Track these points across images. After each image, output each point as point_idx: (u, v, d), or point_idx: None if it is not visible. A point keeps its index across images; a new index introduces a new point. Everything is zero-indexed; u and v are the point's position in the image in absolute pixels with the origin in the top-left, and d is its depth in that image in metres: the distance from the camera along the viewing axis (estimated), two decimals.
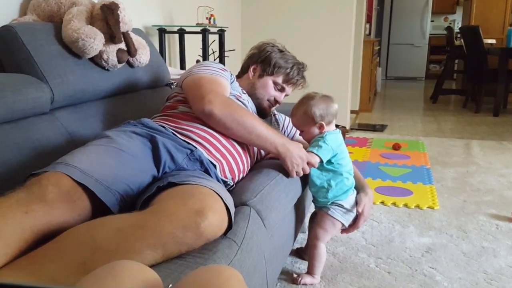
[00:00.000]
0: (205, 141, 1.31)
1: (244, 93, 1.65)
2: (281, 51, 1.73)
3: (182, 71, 2.34)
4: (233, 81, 1.60)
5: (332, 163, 1.53)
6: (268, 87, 1.68)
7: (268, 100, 1.69)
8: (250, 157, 1.46)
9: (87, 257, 0.84)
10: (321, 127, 1.54)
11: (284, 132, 1.80)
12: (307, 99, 1.57)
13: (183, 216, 0.90)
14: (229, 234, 1.01)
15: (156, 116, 1.45)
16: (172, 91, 1.60)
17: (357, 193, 1.63)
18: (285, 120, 1.82)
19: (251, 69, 1.71)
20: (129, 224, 0.90)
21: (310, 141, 1.58)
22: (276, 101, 1.71)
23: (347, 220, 1.58)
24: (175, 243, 0.88)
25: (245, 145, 1.43)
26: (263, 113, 1.70)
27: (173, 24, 2.74)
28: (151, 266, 0.86)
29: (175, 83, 2.12)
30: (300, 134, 1.65)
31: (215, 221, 0.93)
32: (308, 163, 1.44)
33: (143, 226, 0.88)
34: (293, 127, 1.79)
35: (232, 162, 1.35)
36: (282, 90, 1.71)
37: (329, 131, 1.55)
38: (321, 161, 1.51)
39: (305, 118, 1.56)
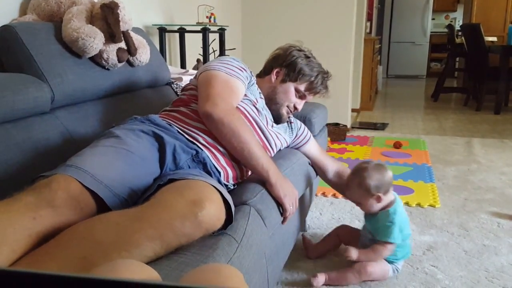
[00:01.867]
0: (213, 147, 1.29)
1: (262, 98, 1.58)
2: (307, 57, 1.65)
3: (183, 70, 2.34)
4: (252, 84, 1.54)
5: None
6: (289, 93, 1.61)
7: (287, 106, 1.63)
8: None
9: (87, 252, 0.84)
10: (378, 198, 1.56)
11: (297, 139, 1.77)
12: (360, 171, 1.58)
13: (180, 206, 0.90)
14: (229, 231, 1.01)
15: (167, 110, 1.43)
16: (190, 82, 1.55)
17: None
18: (300, 129, 1.77)
19: (274, 72, 1.64)
20: (127, 217, 0.90)
21: (370, 212, 1.62)
22: (295, 108, 1.65)
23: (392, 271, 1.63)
24: (173, 234, 0.88)
25: None
26: (279, 118, 1.64)
27: (173, 23, 2.74)
28: (152, 261, 0.87)
29: (175, 82, 2.12)
30: (357, 205, 1.66)
31: (212, 210, 0.93)
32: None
33: (141, 218, 0.89)
34: (306, 137, 1.77)
35: (237, 170, 1.34)
36: (303, 97, 1.65)
37: (391, 208, 1.57)
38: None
39: (361, 191, 1.57)
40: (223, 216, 0.98)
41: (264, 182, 1.32)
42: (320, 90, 1.66)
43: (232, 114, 1.29)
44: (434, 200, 2.39)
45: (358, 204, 1.64)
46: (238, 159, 1.33)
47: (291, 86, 1.61)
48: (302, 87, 1.62)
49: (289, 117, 1.70)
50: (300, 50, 1.67)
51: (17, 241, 0.86)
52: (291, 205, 1.34)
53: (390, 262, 1.62)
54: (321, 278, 1.57)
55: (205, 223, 0.91)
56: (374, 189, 1.54)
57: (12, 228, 0.86)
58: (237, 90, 1.41)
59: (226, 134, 1.27)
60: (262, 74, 1.70)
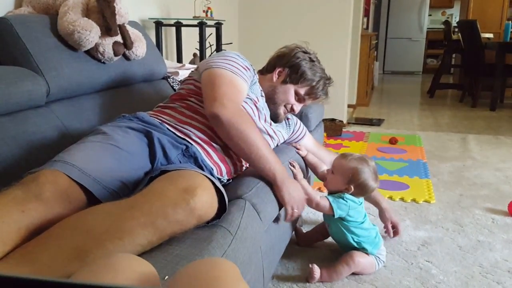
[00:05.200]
0: (205, 143, 1.29)
1: (262, 96, 1.57)
2: (311, 61, 1.63)
3: (179, 64, 2.33)
4: (254, 83, 1.52)
5: (349, 220, 1.60)
6: (289, 95, 1.60)
7: (285, 106, 1.62)
8: None
9: (80, 241, 0.85)
10: (347, 189, 1.58)
11: (293, 134, 1.78)
12: (366, 162, 1.60)
13: (172, 194, 0.90)
14: (224, 223, 1.02)
15: (161, 106, 1.43)
16: (190, 74, 1.52)
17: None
18: (296, 125, 1.78)
19: (277, 71, 1.62)
20: (118, 206, 0.91)
21: (327, 186, 1.66)
22: (292, 109, 1.63)
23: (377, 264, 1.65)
24: (166, 221, 0.88)
25: None
26: (276, 118, 1.63)
27: (169, 17, 2.73)
28: (147, 254, 0.87)
29: (171, 76, 2.11)
30: (327, 175, 1.66)
31: (204, 197, 0.93)
32: (308, 200, 1.46)
33: (133, 206, 0.89)
34: (302, 133, 1.78)
35: (231, 165, 1.34)
36: (301, 100, 1.63)
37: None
38: (332, 215, 1.56)
39: (349, 171, 1.57)
40: (216, 204, 0.98)
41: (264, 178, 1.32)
42: (320, 96, 1.65)
43: (240, 115, 1.28)
44: (429, 196, 2.40)
45: (330, 172, 1.63)
46: (245, 160, 1.33)
47: (291, 88, 1.60)
48: (302, 91, 1.61)
49: (286, 117, 1.70)
50: (305, 53, 1.65)
51: (7, 233, 0.86)
52: (296, 208, 1.33)
53: (368, 253, 1.63)
54: (317, 270, 1.58)
55: (197, 210, 0.91)
56: (355, 183, 1.57)
57: (1, 221, 0.86)
58: (242, 90, 1.39)
59: (234, 136, 1.25)
60: (264, 71, 1.68)
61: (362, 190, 1.59)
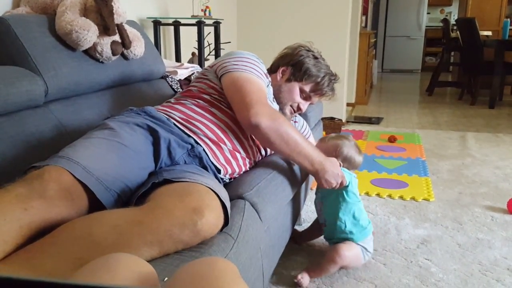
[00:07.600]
0: (213, 143, 1.28)
1: (274, 100, 1.56)
2: (315, 58, 1.63)
3: (178, 64, 2.32)
4: (267, 85, 1.51)
5: (349, 192, 1.58)
6: (294, 93, 1.59)
7: (291, 106, 1.60)
8: (253, 161, 1.46)
9: (84, 252, 0.84)
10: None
11: None
12: (344, 138, 1.64)
13: (180, 213, 0.89)
14: (224, 228, 1.01)
15: (171, 102, 1.41)
16: (202, 72, 1.51)
17: None
18: (303, 127, 1.79)
19: (280, 70, 1.62)
20: (126, 220, 0.89)
21: None
22: (299, 108, 1.62)
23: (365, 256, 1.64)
24: (171, 241, 0.88)
25: (251, 150, 1.41)
26: None
27: (168, 16, 2.72)
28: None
29: (170, 76, 2.11)
30: None
31: (212, 219, 0.93)
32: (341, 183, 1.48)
33: (140, 222, 0.88)
34: (306, 135, 1.80)
35: (236, 167, 1.34)
36: (307, 98, 1.62)
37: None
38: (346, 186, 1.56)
39: (331, 148, 1.60)
40: (221, 222, 0.98)
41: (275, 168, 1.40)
42: (326, 92, 1.64)
43: (276, 118, 1.31)
44: (428, 194, 2.40)
45: None
46: (284, 157, 1.40)
47: (296, 86, 1.59)
48: (307, 88, 1.60)
49: (292, 118, 1.69)
50: (309, 51, 1.64)
51: (8, 232, 0.85)
52: (332, 185, 1.44)
53: (354, 241, 1.61)
54: (306, 277, 1.57)
55: (203, 231, 0.91)
56: (341, 158, 1.60)
57: (3, 219, 0.85)
58: (266, 93, 1.42)
59: (275, 140, 1.30)
60: (269, 73, 1.66)
61: (350, 163, 1.62)
